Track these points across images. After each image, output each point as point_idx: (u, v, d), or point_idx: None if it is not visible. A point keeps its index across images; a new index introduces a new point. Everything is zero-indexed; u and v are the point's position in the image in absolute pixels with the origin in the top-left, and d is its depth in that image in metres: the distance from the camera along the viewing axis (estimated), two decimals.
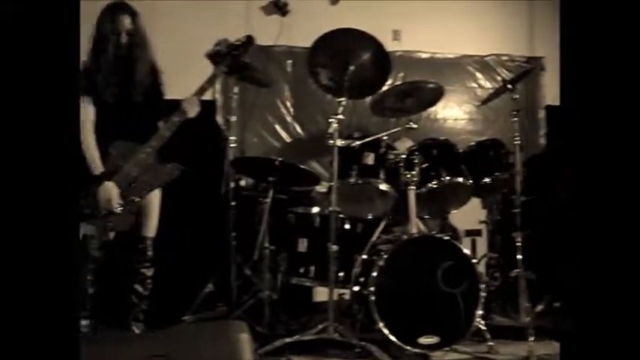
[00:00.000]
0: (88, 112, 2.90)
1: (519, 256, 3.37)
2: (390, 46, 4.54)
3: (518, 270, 3.35)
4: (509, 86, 3.73)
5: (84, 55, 2.88)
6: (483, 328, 3.15)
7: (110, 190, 2.79)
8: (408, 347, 2.96)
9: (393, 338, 2.95)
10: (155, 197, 3.06)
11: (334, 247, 3.09)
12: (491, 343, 3.13)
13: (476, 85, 5.06)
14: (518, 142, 3.58)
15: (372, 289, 3.01)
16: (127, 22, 2.90)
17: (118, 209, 2.80)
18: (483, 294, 3.10)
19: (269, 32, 4.60)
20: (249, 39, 3.14)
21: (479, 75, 5.07)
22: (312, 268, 3.41)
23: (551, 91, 5.15)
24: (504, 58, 5.11)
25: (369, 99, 3.94)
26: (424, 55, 4.97)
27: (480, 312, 3.09)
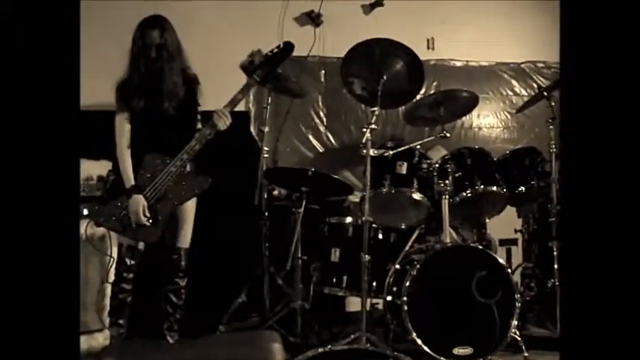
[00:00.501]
0: (123, 128, 2.96)
1: (556, 266, 3.32)
2: (423, 54, 4.56)
3: (554, 280, 3.30)
4: (545, 93, 3.69)
5: (119, 70, 2.95)
6: (518, 338, 3.11)
7: (139, 202, 2.84)
8: (442, 358, 2.94)
9: (426, 349, 2.94)
10: (190, 209, 3.09)
11: (367, 257, 3.08)
12: (526, 354, 3.09)
13: (511, 93, 5.01)
14: (555, 150, 3.53)
15: (404, 298, 3.00)
16: (155, 35, 2.94)
17: (146, 222, 2.85)
18: (518, 304, 3.05)
19: (303, 43, 4.63)
20: (288, 45, 3.15)
21: (514, 82, 5.03)
22: (345, 277, 3.40)
23: None
24: (540, 64, 5.06)
25: (402, 108, 3.93)
26: (458, 63, 4.95)
27: (515, 322, 3.05)
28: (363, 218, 3.14)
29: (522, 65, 5.05)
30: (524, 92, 4.96)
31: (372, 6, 4.84)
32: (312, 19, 4.74)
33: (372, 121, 3.20)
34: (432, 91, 4.52)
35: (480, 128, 4.94)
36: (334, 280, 3.43)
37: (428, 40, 4.88)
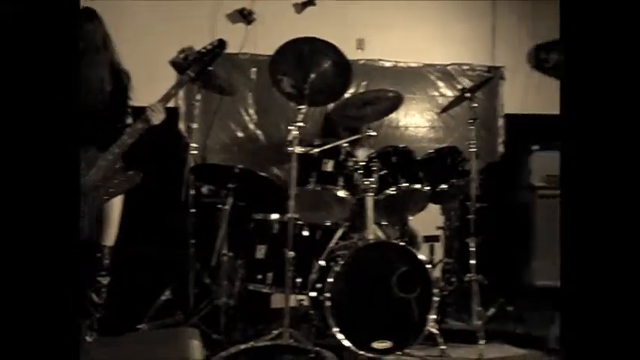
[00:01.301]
0: None
1: (473, 261, 3.44)
2: (353, 54, 4.63)
3: (471, 275, 3.42)
4: (468, 95, 3.80)
5: None
6: (436, 332, 3.21)
7: None
8: (362, 352, 3.00)
9: (346, 343, 2.99)
10: (115, 206, 3.05)
11: (291, 254, 3.11)
12: (443, 347, 3.19)
13: (437, 94, 5.12)
14: (475, 149, 3.65)
15: (327, 294, 3.04)
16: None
17: None
18: (436, 299, 3.15)
19: (234, 40, 4.62)
20: (222, 43, 3.14)
21: (440, 83, 5.13)
22: (270, 274, 3.42)
23: (509, 100, 5.25)
24: (465, 67, 5.19)
25: (330, 106, 3.98)
26: (387, 64, 5.02)
27: (433, 316, 3.14)
28: (288, 215, 3.18)
29: (448, 67, 5.15)
30: (449, 93, 5.06)
31: (304, 5, 4.86)
32: (244, 16, 4.73)
33: (299, 119, 3.24)
34: (362, 91, 4.60)
35: (406, 127, 5.03)
36: (259, 276, 3.45)
37: (358, 41, 4.93)
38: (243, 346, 2.97)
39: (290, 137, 3.20)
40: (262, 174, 3.57)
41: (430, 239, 4.24)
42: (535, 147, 4.80)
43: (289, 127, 3.22)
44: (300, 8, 4.87)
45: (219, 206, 3.64)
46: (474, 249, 3.51)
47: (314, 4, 4.83)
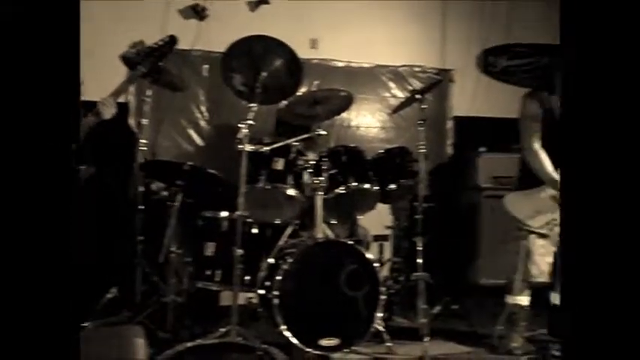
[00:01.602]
0: None
1: (419, 260, 3.50)
2: (306, 53, 4.65)
3: (417, 273, 3.48)
4: (418, 96, 3.86)
5: None
6: (382, 329, 3.26)
7: None
8: (309, 349, 3.02)
9: (294, 340, 3.00)
10: None
11: (239, 251, 3.11)
12: (389, 344, 3.24)
13: (389, 95, 5.19)
14: (423, 150, 3.72)
15: (276, 292, 3.05)
16: None
17: None
18: (383, 297, 3.19)
19: (187, 36, 4.59)
20: (173, 39, 3.11)
21: (392, 84, 5.21)
22: (219, 272, 3.41)
23: (458, 103, 5.35)
24: (416, 69, 5.27)
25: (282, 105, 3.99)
26: (340, 64, 5.06)
27: (380, 314, 3.18)
28: (238, 213, 3.18)
29: (400, 69, 5.23)
30: (400, 94, 5.13)
31: (258, 3, 4.86)
32: (197, 12, 4.71)
33: (250, 116, 3.24)
34: (314, 89, 4.62)
35: (358, 127, 5.09)
36: (208, 274, 3.43)
37: (311, 40, 4.96)
38: (189, 344, 2.95)
39: (240, 135, 3.20)
40: (212, 171, 3.55)
41: (379, 238, 4.30)
42: (482, 149, 4.91)
43: (240, 125, 3.21)
44: (253, 6, 4.88)
45: (168, 203, 3.61)
46: (421, 248, 3.57)
47: (268, 3, 4.85)
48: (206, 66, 4.68)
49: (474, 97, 5.33)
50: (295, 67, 3.53)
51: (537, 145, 3.25)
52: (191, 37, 4.62)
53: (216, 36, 4.56)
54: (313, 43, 4.98)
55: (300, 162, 3.56)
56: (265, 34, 3.43)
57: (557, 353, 3.15)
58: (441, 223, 4.42)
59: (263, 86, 3.39)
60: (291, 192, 3.47)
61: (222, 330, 3.02)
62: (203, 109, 4.71)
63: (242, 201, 3.18)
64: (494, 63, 5.38)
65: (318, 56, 4.97)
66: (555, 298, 3.47)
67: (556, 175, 3.17)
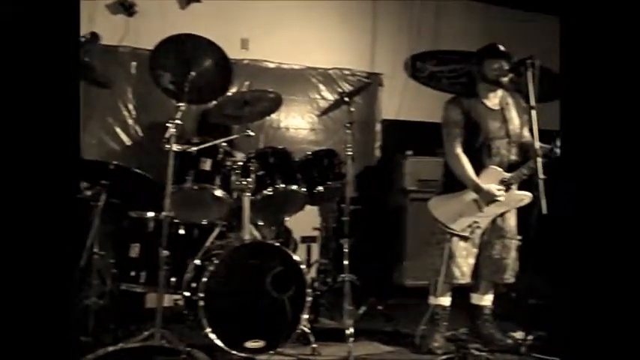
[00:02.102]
0: None
1: (346, 262, 3.56)
2: (237, 54, 4.64)
3: (344, 275, 3.53)
4: (347, 99, 3.91)
5: None
6: (308, 331, 3.29)
7: None
8: (234, 352, 3.01)
9: (219, 343, 2.99)
10: None
11: (165, 252, 3.07)
12: (314, 345, 3.26)
13: (319, 97, 5.23)
14: (351, 153, 3.77)
15: (201, 294, 3.03)
16: None
17: None
18: (309, 299, 3.22)
19: (114, 32, 4.49)
20: (94, 36, 3.04)
21: (322, 87, 5.25)
22: (144, 273, 3.36)
23: (387, 106, 5.45)
24: (346, 72, 5.34)
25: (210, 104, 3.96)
26: (271, 65, 5.07)
27: (306, 316, 3.21)
28: (164, 213, 3.13)
29: (330, 71, 5.28)
30: (330, 97, 5.19)
31: (189, 1, 4.81)
32: (126, 8, 4.61)
33: (177, 116, 3.20)
34: (244, 90, 4.62)
35: (287, 129, 5.10)
36: (132, 275, 3.37)
37: (242, 41, 4.94)
38: (111, 348, 2.88)
39: (167, 134, 3.15)
40: (138, 171, 3.50)
41: (307, 240, 4.33)
42: (409, 152, 5.02)
43: (167, 124, 3.17)
44: (184, 4, 4.82)
45: (92, 203, 3.52)
46: (347, 250, 3.63)
47: (199, 1, 4.80)
48: (134, 63, 4.58)
49: (402, 101, 5.44)
50: (225, 67, 3.51)
51: (459, 150, 3.37)
52: (119, 32, 4.52)
53: (145, 33, 4.49)
54: (244, 44, 4.96)
55: (228, 163, 3.54)
56: (196, 32, 3.40)
57: (476, 352, 3.26)
58: (368, 225, 4.49)
59: (192, 85, 3.35)
60: (218, 193, 3.45)
61: (146, 333, 2.97)
62: (131, 107, 4.61)
63: (169, 201, 3.13)
64: (421, 68, 5.52)
65: (249, 57, 4.95)
66: (476, 299, 3.61)
67: (477, 179, 3.30)
